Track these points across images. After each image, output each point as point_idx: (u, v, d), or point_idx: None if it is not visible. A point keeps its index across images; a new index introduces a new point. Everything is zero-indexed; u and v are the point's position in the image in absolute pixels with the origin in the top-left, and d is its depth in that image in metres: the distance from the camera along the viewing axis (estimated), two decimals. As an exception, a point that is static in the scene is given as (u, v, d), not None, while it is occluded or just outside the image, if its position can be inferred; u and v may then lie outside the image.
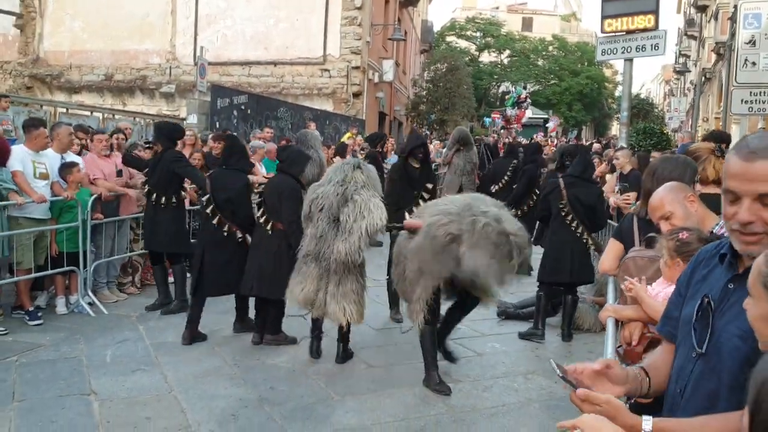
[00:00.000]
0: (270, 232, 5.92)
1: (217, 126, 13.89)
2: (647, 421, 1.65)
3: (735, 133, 12.08)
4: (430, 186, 7.18)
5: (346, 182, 5.41)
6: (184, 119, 15.07)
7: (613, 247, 3.81)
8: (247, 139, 11.77)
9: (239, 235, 6.17)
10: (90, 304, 7.04)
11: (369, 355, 6.00)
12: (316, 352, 5.83)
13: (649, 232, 3.17)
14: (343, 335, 5.76)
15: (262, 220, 5.98)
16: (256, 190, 6.60)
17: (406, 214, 6.79)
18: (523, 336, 6.63)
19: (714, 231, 2.65)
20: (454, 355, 5.81)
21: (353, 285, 5.47)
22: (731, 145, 4.08)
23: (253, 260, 6.01)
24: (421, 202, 6.95)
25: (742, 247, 1.72)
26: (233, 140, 7.02)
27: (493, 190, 10.34)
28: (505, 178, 10.78)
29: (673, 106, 37.92)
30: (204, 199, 6.30)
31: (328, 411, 4.79)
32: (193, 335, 6.14)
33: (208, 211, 6.16)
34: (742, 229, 1.68)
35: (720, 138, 5.99)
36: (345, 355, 5.80)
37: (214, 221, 6.10)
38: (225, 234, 6.11)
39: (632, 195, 8.36)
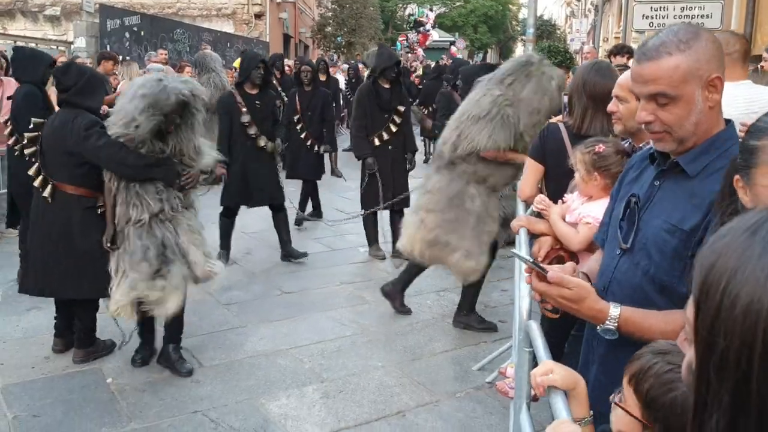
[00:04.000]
0: (51, 200, 4.02)
1: (108, 49, 12.97)
2: (615, 308, 1.65)
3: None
4: (402, 108, 6.58)
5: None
6: (72, 43, 14.03)
7: (533, 169, 3.26)
8: (143, 63, 11.11)
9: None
10: (-24, 242, 6.50)
11: (282, 282, 5.89)
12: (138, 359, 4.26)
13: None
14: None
15: (37, 183, 4.04)
16: (28, 135, 4.28)
17: (375, 140, 6.44)
18: None
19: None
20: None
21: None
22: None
23: (32, 245, 4.23)
24: (392, 126, 6.52)
25: (654, 143, 1.74)
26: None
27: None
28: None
29: (574, 27, 38.48)
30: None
31: (240, 339, 4.68)
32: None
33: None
34: (646, 127, 1.71)
35: (629, 50, 6.06)
36: (171, 358, 4.17)
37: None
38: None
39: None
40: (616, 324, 1.64)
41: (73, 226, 4.01)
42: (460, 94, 6.72)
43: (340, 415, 3.71)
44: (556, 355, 1.86)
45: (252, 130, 6.09)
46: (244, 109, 6.03)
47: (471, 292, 4.95)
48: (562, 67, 11.20)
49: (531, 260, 1.77)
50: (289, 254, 6.48)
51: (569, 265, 1.90)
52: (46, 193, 4.00)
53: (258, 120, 6.12)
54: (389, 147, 6.52)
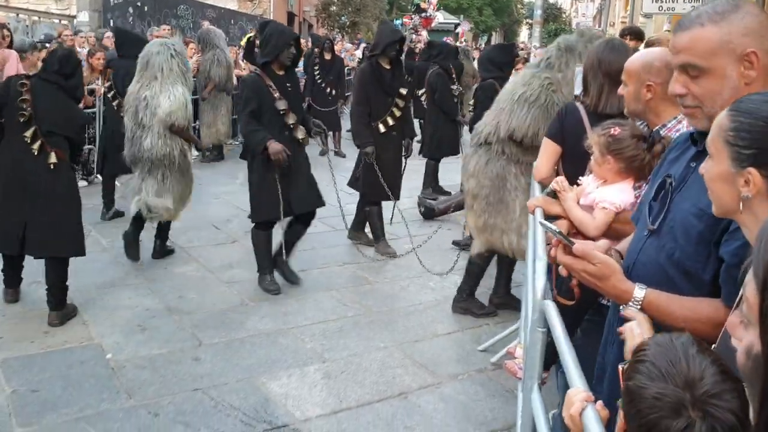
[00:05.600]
0: (53, 167, 4.33)
1: (111, 24, 12.87)
2: (641, 289, 1.60)
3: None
4: (404, 91, 6.02)
5: (142, 80, 5.38)
6: (74, 17, 13.90)
7: (551, 150, 3.18)
8: (146, 39, 10.98)
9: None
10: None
11: (283, 261, 5.84)
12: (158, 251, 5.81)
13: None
14: (161, 231, 5.78)
15: (36, 147, 4.29)
16: (21, 95, 4.32)
17: (380, 126, 5.97)
18: (459, 244, 6.28)
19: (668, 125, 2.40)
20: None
21: (173, 184, 5.46)
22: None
23: (26, 206, 4.28)
24: (396, 111, 6.02)
25: (688, 120, 1.68)
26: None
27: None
28: None
29: (580, 11, 38.18)
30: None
31: (242, 317, 4.64)
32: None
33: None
34: (679, 101, 1.65)
35: (636, 33, 5.97)
36: (162, 250, 5.80)
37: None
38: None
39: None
40: (639, 306, 1.58)
41: (73, 189, 4.51)
42: (481, 77, 6.59)
43: (341, 395, 3.68)
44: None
45: (291, 119, 5.00)
46: (277, 94, 4.94)
47: (474, 276, 4.83)
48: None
49: (558, 230, 1.72)
50: (284, 274, 5.35)
51: (603, 242, 1.85)
52: (53, 159, 4.32)
53: (292, 106, 5.06)
54: (393, 133, 6.07)
